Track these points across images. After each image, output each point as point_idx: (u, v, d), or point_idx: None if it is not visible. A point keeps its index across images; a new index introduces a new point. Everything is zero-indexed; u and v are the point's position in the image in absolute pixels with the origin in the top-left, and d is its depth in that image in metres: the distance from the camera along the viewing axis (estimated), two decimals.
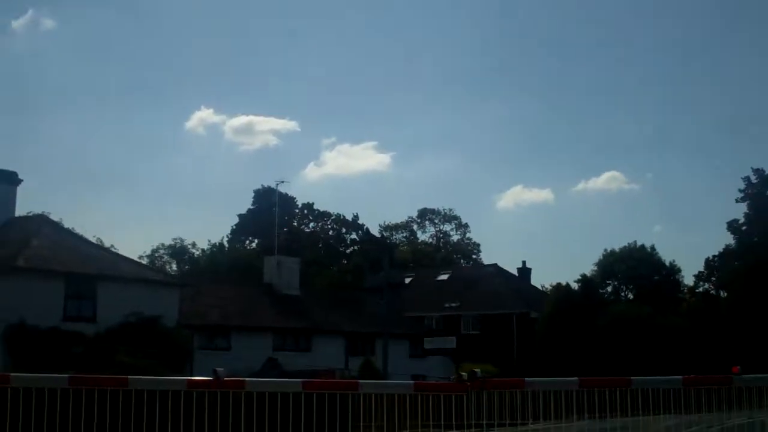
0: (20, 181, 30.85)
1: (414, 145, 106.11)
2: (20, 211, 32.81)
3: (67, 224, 40.29)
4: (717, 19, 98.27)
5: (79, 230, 40.60)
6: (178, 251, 70.45)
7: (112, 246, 48.52)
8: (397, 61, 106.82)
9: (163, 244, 70.53)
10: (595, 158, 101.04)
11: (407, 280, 53.04)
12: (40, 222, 31.12)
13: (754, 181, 46.64)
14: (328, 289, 50.02)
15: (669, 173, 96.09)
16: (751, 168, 47.13)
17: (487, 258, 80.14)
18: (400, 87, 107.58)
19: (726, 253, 49.97)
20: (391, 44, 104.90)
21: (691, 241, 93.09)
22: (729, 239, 48.71)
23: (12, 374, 8.35)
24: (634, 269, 57.65)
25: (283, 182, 56.63)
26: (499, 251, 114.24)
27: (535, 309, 48.23)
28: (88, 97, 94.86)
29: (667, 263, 58.96)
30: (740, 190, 47.05)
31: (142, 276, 29.82)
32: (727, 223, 47.82)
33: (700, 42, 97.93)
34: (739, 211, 47.57)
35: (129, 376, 8.59)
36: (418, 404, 9.01)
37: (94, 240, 42.51)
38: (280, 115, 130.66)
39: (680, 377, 7.54)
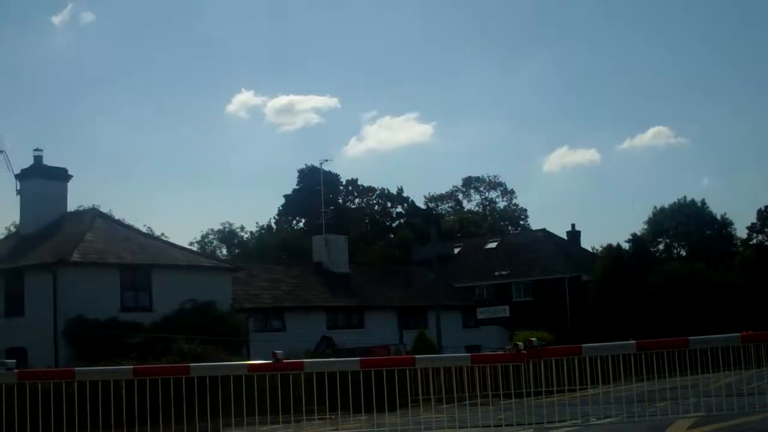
0: (70, 177, 31.53)
1: (455, 113, 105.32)
2: (71, 205, 33.59)
3: (117, 215, 41.04)
4: None
5: (129, 221, 41.37)
6: (228, 235, 71.29)
7: (162, 234, 49.35)
8: (434, 26, 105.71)
9: (212, 230, 71.46)
10: (640, 114, 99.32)
11: (456, 251, 52.98)
12: (93, 215, 31.76)
13: None
14: (378, 265, 50.23)
15: (715, 124, 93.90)
16: None
17: (535, 223, 79.81)
18: (438, 54, 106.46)
19: None
20: (425, 10, 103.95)
21: (743, 192, 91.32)
22: None
23: (76, 369, 8.60)
24: (685, 225, 56.70)
25: (326, 161, 57.01)
26: (547, 216, 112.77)
27: (587, 272, 47.83)
28: (128, 88, 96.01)
29: (719, 216, 57.89)
30: None
31: (194, 263, 30.33)
32: None
33: None
34: None
35: (190, 364, 8.81)
36: (476, 375, 9.06)
37: (145, 230, 43.38)
38: (320, 93, 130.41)
39: (738, 335, 7.46)
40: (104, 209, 39.53)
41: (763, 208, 56.98)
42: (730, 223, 58.29)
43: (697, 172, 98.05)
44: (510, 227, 78.11)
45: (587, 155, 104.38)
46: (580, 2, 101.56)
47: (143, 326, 26.00)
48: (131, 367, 8.66)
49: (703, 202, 58.25)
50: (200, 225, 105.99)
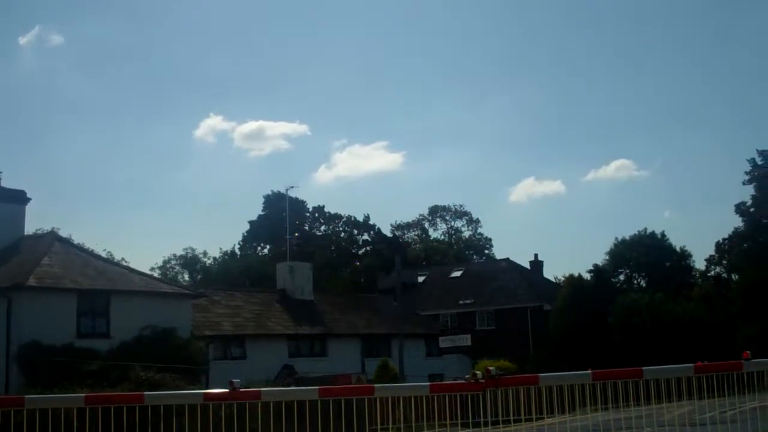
0: (29, 200, 31.02)
1: (425, 143, 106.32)
2: (30, 228, 33.12)
3: (77, 239, 40.59)
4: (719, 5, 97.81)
5: (89, 245, 40.92)
6: (190, 261, 70.70)
7: (123, 259, 48.86)
8: (405, 58, 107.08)
9: (174, 255, 70.90)
10: (604, 147, 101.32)
11: (421, 279, 53.03)
12: (51, 239, 31.23)
13: (760, 162, 46.49)
14: (342, 292, 50.05)
15: (676, 159, 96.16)
16: (756, 150, 46.99)
17: (499, 252, 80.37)
18: (410, 84, 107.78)
19: (735, 236, 49.80)
20: (397, 41, 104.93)
21: (701, 226, 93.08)
22: (738, 222, 48.60)
23: (26, 396, 8.39)
24: (646, 256, 57.46)
25: (293, 187, 56.67)
26: (511, 245, 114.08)
27: (549, 302, 48.17)
28: (96, 111, 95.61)
29: (678, 249, 58.80)
30: (746, 173, 46.91)
31: (154, 288, 29.90)
32: (735, 205, 47.71)
33: (702, 28, 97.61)
34: (747, 193, 47.50)
35: (145, 393, 8.66)
36: (435, 403, 9.04)
37: (104, 254, 42.86)
38: (290, 120, 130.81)
39: (691, 365, 7.54)
40: (65, 233, 39.04)
41: (721, 241, 58.01)
42: (689, 256, 59.29)
43: (658, 205, 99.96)
44: (475, 256, 78.54)
45: (553, 186, 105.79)
46: (546, 40, 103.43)
47: (100, 353, 25.49)
48: (83, 395, 8.48)
49: (663, 234, 59.19)
50: (163, 250, 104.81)
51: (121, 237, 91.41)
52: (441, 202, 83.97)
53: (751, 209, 46.93)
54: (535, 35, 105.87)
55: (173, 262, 70.72)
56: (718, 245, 59.14)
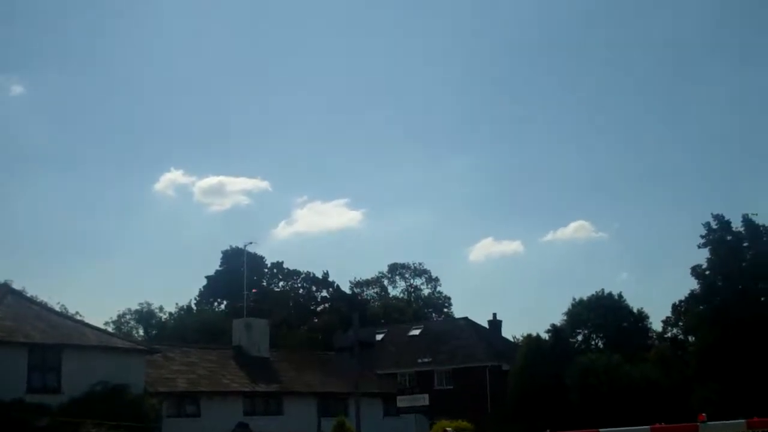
0: None
1: (385, 202, 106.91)
2: None
3: (30, 292, 39.68)
4: (682, 63, 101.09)
5: (43, 298, 40.05)
6: (145, 316, 69.51)
7: (77, 313, 47.93)
8: (368, 117, 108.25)
9: (129, 309, 69.65)
10: (564, 208, 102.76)
11: (379, 337, 52.76)
12: (4, 292, 30.56)
13: (714, 226, 47.46)
14: (299, 349, 49.52)
15: (634, 222, 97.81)
16: (711, 214, 48.00)
17: (458, 311, 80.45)
18: (371, 143, 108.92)
19: (691, 298, 50.52)
20: (359, 101, 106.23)
21: (658, 288, 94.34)
22: (694, 284, 49.34)
23: None
24: (603, 317, 57.85)
25: (251, 243, 56.51)
26: (470, 304, 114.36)
27: (507, 361, 48.15)
28: (55, 161, 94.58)
29: (635, 310, 59.40)
30: (702, 236, 47.78)
31: (107, 343, 29.29)
32: (691, 268, 48.39)
33: (660, 90, 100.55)
34: (702, 256, 48.32)
35: None
36: None
37: (58, 307, 42.00)
38: (251, 175, 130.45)
39: (648, 427, 7.63)
40: (18, 285, 38.20)
41: (677, 303, 58.68)
42: (646, 317, 59.84)
43: (616, 266, 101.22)
44: (434, 314, 78.51)
45: (512, 246, 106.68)
46: (507, 101, 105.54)
47: (50, 409, 24.78)
48: None
49: (620, 296, 59.76)
50: (118, 304, 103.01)
51: (75, 290, 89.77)
52: (400, 260, 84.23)
53: (707, 272, 47.71)
54: (496, 96, 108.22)
55: (128, 317, 69.49)
56: (674, 307, 59.81)
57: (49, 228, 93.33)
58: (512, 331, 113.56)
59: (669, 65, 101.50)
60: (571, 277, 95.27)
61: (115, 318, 67.96)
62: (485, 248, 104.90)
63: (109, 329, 52.09)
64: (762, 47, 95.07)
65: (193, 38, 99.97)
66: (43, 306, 32.49)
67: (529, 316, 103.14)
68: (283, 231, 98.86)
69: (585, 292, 69.75)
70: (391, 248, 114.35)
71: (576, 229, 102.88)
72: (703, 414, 7.71)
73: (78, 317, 39.96)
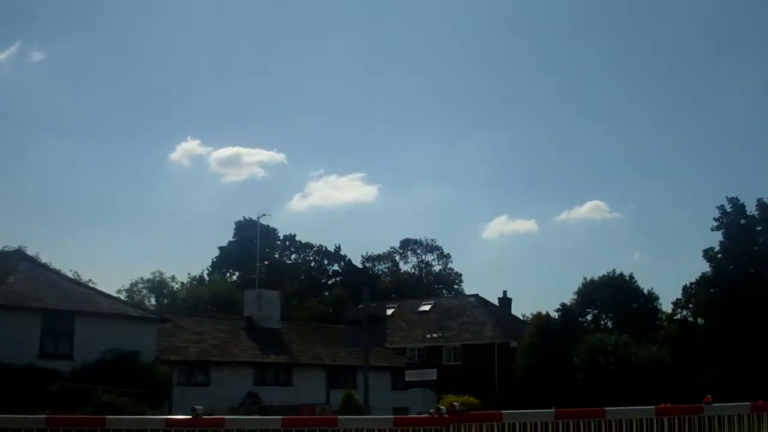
0: None
1: (401, 177, 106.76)
2: None
3: (44, 259, 39.97)
4: (700, 50, 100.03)
5: (57, 265, 40.33)
6: (158, 285, 69.90)
7: (90, 281, 48.20)
8: (385, 93, 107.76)
9: (142, 278, 70.01)
10: (579, 188, 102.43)
11: (389, 311, 52.94)
12: (18, 258, 30.86)
13: (729, 209, 47.23)
14: (309, 322, 49.79)
15: (648, 203, 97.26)
16: (726, 197, 47.77)
17: (468, 288, 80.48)
18: (389, 118, 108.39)
19: (702, 281, 50.40)
20: (377, 76, 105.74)
21: (670, 269, 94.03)
22: (705, 267, 49.24)
23: None
24: (614, 297, 57.87)
25: (264, 215, 56.62)
26: (481, 281, 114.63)
27: (516, 338, 48.29)
28: (73, 129, 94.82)
29: (646, 291, 59.37)
30: (715, 219, 47.60)
31: (119, 311, 29.60)
32: (703, 251, 48.25)
33: (680, 72, 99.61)
34: (715, 239, 48.18)
35: (107, 416, 8.58)
36: None
37: (71, 275, 42.30)
38: (267, 147, 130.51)
39: (653, 407, 7.67)
40: (33, 252, 38.55)
41: (688, 285, 58.58)
42: (657, 298, 59.84)
43: (629, 247, 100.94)
44: (444, 290, 78.61)
45: (526, 225, 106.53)
46: (527, 80, 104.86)
47: (62, 374, 25.11)
48: (44, 416, 8.39)
49: (632, 276, 59.73)
50: (131, 273, 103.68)
51: (89, 258, 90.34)
52: (413, 236, 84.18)
53: (719, 255, 47.53)
54: (516, 76, 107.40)
55: (140, 286, 69.86)
56: (685, 289, 59.75)
57: (64, 196, 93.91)
58: (522, 309, 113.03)
59: (691, 49, 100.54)
60: (583, 257, 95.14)
61: (127, 286, 68.40)
62: (499, 226, 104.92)
63: (122, 297, 52.46)
64: None
65: (213, 7, 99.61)
66: (57, 273, 32.79)
67: (540, 295, 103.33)
68: (297, 204, 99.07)
69: (597, 272, 69.63)
70: (405, 224, 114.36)
71: (591, 209, 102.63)
72: (709, 396, 7.75)
73: (91, 285, 40.21)
